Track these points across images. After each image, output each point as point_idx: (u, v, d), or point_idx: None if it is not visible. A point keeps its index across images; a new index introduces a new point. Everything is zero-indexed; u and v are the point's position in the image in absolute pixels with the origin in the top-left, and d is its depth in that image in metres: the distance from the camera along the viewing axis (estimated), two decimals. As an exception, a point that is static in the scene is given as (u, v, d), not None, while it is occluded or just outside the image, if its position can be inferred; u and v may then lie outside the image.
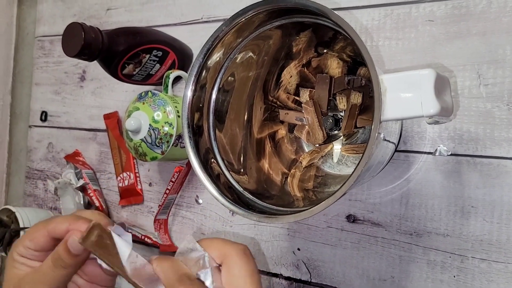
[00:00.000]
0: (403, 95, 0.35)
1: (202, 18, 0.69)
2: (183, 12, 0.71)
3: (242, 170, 0.47)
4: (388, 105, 0.35)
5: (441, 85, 0.35)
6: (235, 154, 0.48)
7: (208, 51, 0.43)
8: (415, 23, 0.53)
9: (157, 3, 0.74)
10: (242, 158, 0.48)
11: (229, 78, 0.46)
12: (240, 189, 0.44)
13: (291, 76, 0.53)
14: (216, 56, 0.43)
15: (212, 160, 0.45)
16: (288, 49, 0.49)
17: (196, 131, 0.45)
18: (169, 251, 0.68)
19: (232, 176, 0.45)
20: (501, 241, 0.48)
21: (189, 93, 0.43)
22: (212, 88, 0.46)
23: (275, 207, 0.42)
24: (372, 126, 0.35)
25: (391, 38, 0.55)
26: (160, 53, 0.64)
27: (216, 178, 0.43)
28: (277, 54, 0.49)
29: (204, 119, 0.46)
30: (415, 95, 0.34)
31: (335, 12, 0.38)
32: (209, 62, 0.43)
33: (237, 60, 0.46)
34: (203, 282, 0.33)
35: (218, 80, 0.45)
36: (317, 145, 0.54)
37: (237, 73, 0.47)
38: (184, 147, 0.60)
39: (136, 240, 0.72)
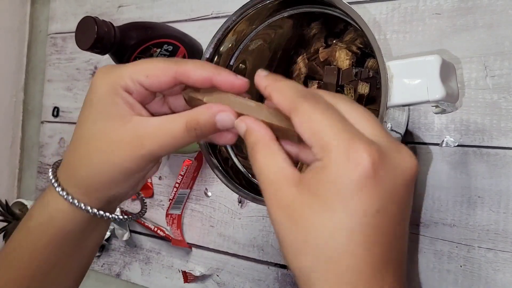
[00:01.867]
0: (409, 81, 0.35)
1: (211, 14, 0.70)
2: (193, 8, 0.72)
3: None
4: (394, 91, 0.35)
5: (447, 71, 0.36)
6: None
7: (220, 39, 0.43)
8: (422, 16, 0.54)
9: (167, -1, 0.75)
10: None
11: (240, 65, 0.47)
12: (248, 175, 0.45)
13: (299, 69, 0.54)
14: (228, 43, 0.44)
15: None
16: (298, 40, 0.50)
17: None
18: (180, 246, 0.69)
19: (239, 161, 0.46)
20: (508, 231, 0.48)
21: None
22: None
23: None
24: (379, 113, 0.36)
25: (398, 31, 0.55)
26: (170, 48, 0.65)
27: (224, 163, 0.44)
28: (288, 44, 0.50)
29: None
30: (421, 80, 0.35)
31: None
32: (221, 48, 0.44)
33: (249, 48, 0.47)
34: None
35: (230, 66, 0.46)
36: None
37: (248, 61, 0.48)
38: (194, 139, 0.61)
39: (148, 233, 0.73)
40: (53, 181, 0.35)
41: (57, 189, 0.34)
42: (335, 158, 0.25)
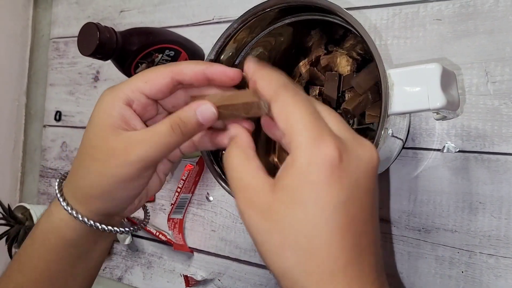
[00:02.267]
0: (410, 89, 0.35)
1: (213, 19, 0.71)
2: (195, 13, 0.72)
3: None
4: (395, 99, 0.35)
5: (447, 79, 0.36)
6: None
7: (221, 46, 0.44)
8: (423, 22, 0.54)
9: (169, 4, 0.75)
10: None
11: (242, 73, 0.47)
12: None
13: (300, 75, 0.54)
14: (229, 51, 0.44)
15: (223, 152, 0.46)
16: (299, 47, 0.50)
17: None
18: (182, 250, 0.69)
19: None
20: (509, 237, 0.48)
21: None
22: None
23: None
24: (380, 120, 0.36)
25: (399, 37, 0.55)
26: (172, 53, 0.65)
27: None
28: (288, 52, 0.50)
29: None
30: (421, 89, 0.35)
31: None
32: (222, 57, 0.44)
33: (250, 56, 0.47)
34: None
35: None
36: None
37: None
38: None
39: (150, 237, 0.74)
40: (57, 191, 0.36)
41: (59, 199, 0.36)
42: (304, 150, 0.27)
